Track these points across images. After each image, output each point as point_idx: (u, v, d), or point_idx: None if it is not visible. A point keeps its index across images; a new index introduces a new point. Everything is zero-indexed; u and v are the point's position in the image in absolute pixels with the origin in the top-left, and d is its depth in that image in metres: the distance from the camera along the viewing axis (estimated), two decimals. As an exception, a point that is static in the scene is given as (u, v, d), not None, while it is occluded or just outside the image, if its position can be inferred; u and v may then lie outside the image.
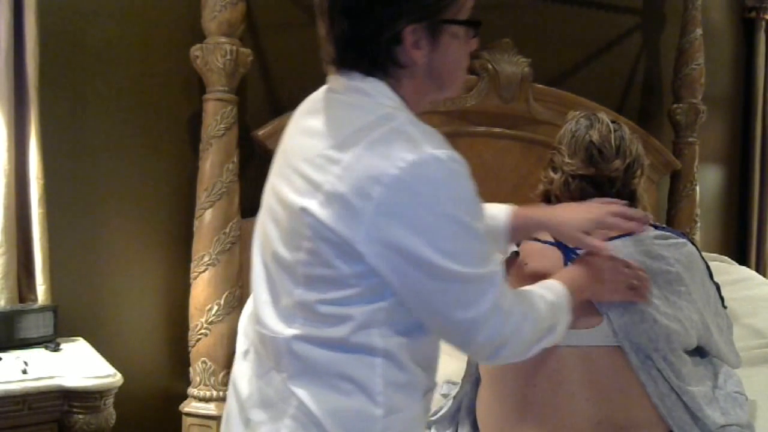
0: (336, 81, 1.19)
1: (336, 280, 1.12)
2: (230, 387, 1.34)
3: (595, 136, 1.70)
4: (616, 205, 1.53)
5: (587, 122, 1.73)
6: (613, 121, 1.75)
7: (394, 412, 1.15)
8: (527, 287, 1.30)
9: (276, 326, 1.18)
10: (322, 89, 1.23)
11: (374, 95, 1.15)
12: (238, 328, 1.39)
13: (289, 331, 1.16)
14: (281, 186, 1.19)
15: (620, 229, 1.51)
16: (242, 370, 1.30)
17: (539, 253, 1.63)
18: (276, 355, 1.19)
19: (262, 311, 1.22)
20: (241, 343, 1.35)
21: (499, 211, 1.53)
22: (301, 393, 1.15)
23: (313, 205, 1.10)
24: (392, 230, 1.07)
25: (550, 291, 1.30)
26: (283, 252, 1.17)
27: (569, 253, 1.61)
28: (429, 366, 1.23)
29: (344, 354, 1.14)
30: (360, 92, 1.16)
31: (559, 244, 1.63)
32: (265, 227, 1.25)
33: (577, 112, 1.79)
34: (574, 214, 1.50)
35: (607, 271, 1.48)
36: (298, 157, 1.17)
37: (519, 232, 1.55)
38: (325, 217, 1.09)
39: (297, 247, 1.14)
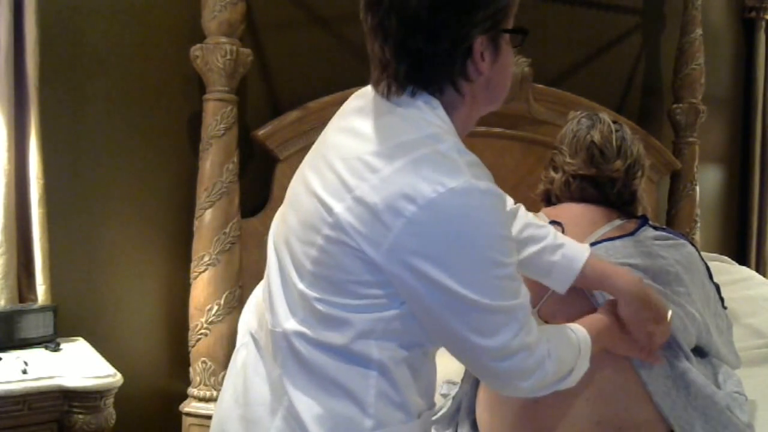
0: (388, 93, 1.16)
1: (341, 284, 1.11)
2: (226, 381, 1.34)
3: (596, 136, 1.70)
4: (664, 334, 1.48)
5: (589, 122, 1.73)
6: (614, 122, 1.75)
7: (383, 426, 1.14)
8: (554, 326, 1.29)
9: (281, 317, 1.17)
10: (373, 92, 1.19)
11: (426, 112, 1.13)
12: (239, 324, 1.38)
13: (290, 324, 1.16)
14: (312, 178, 1.17)
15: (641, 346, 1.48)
16: (240, 364, 1.30)
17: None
18: (275, 349, 1.18)
19: (275, 302, 1.20)
20: (241, 337, 1.35)
21: (577, 255, 1.46)
22: (293, 393, 1.15)
23: (339, 206, 1.09)
24: (416, 252, 1.05)
25: (576, 335, 1.28)
26: (295, 243, 1.16)
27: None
28: (425, 386, 1.22)
29: (341, 361, 1.13)
30: (413, 107, 1.13)
31: (559, 244, 1.63)
32: (286, 215, 1.23)
33: (579, 112, 1.79)
34: (637, 314, 1.44)
35: (632, 327, 1.44)
36: (335, 154, 1.15)
37: (585, 280, 1.47)
38: (349, 221, 1.08)
39: (310, 243, 1.13)
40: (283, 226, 1.23)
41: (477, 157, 1.12)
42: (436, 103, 1.14)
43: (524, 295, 1.14)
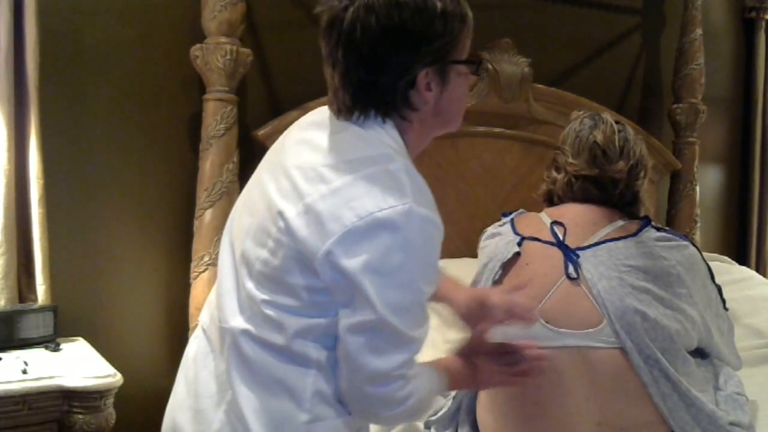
0: (338, 115, 1.23)
1: (287, 286, 1.17)
2: (180, 372, 1.40)
3: (599, 136, 1.69)
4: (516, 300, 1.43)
5: (591, 122, 1.73)
6: (617, 122, 1.75)
7: (318, 420, 1.20)
8: (424, 363, 1.29)
9: (229, 314, 1.23)
10: (328, 111, 1.26)
11: (380, 132, 1.19)
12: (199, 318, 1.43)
13: (237, 322, 1.21)
14: (268, 183, 1.24)
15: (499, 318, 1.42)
16: (191, 357, 1.36)
17: (541, 254, 1.63)
18: (222, 344, 1.24)
19: (224, 299, 1.26)
20: (197, 329, 1.40)
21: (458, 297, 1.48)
22: (237, 387, 1.21)
23: (291, 211, 1.15)
24: (348, 259, 1.10)
25: (436, 378, 1.30)
26: (249, 245, 1.22)
27: (569, 254, 1.61)
28: None
29: (281, 360, 1.19)
30: (366, 126, 1.19)
31: (559, 244, 1.63)
32: (241, 216, 1.29)
33: (581, 112, 1.79)
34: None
35: (484, 373, 1.41)
36: (293, 162, 1.21)
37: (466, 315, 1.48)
38: (297, 226, 1.14)
39: (262, 244, 1.19)
40: (238, 226, 1.28)
41: (424, 181, 1.18)
42: (385, 125, 1.20)
43: (425, 330, 1.19)
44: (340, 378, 1.21)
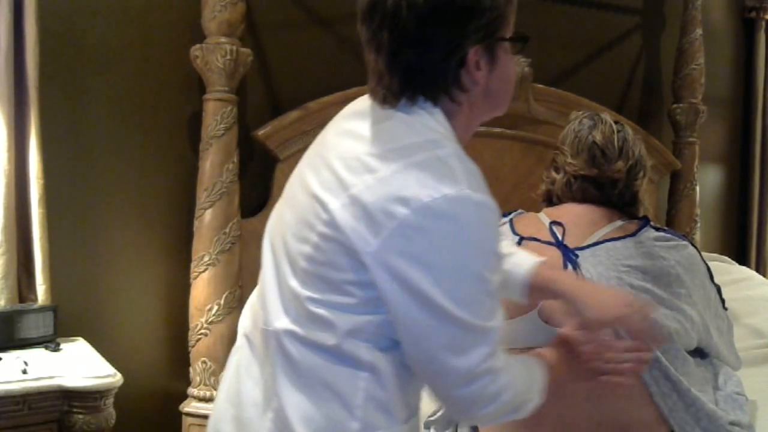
0: (384, 103, 1.16)
1: (333, 282, 1.10)
2: (222, 381, 1.34)
3: (598, 136, 1.70)
4: (644, 315, 1.36)
5: (590, 122, 1.73)
6: (616, 122, 1.75)
7: (370, 428, 1.13)
8: (516, 356, 1.26)
9: (273, 315, 1.17)
10: (370, 101, 1.19)
11: (426, 118, 1.13)
12: (238, 327, 1.38)
13: (282, 323, 1.15)
14: (309, 176, 1.17)
15: (636, 337, 1.36)
16: (234, 365, 1.30)
17: (539, 254, 1.63)
18: (267, 348, 1.18)
19: (267, 300, 1.20)
20: (237, 339, 1.35)
21: (524, 262, 1.44)
22: (283, 393, 1.14)
23: (335, 203, 1.09)
24: (402, 255, 1.04)
25: (534, 367, 1.25)
26: (291, 240, 1.16)
27: (569, 254, 1.61)
28: (413, 390, 1.20)
29: (331, 362, 1.12)
30: (412, 112, 1.13)
31: (558, 244, 1.63)
32: (282, 212, 1.23)
33: (580, 112, 1.79)
34: (599, 304, 1.35)
35: (585, 356, 1.36)
36: (334, 154, 1.15)
37: (537, 291, 1.43)
38: (343, 219, 1.07)
39: (304, 239, 1.13)
40: (279, 223, 1.22)
41: (476, 166, 1.12)
42: (433, 109, 1.14)
43: (500, 318, 1.13)
44: (430, 385, 1.15)
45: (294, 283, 1.14)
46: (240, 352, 1.29)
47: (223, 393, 1.31)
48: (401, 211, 1.04)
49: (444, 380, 1.12)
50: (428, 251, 1.04)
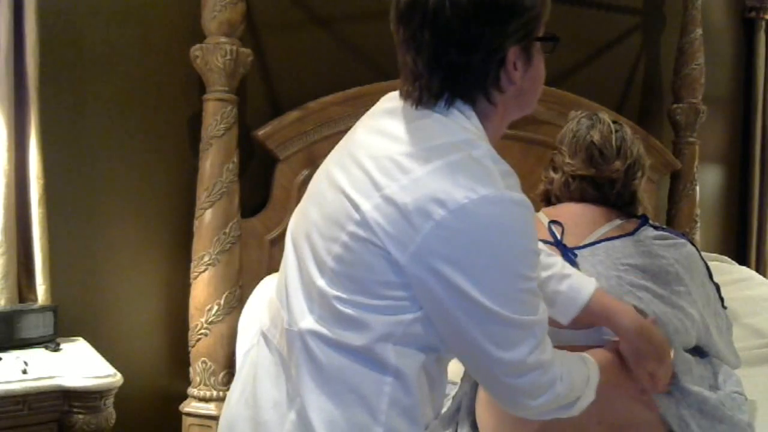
0: (419, 104, 1.15)
1: (363, 283, 1.09)
2: (235, 381, 1.32)
3: (596, 136, 1.70)
4: (667, 367, 1.47)
5: (588, 122, 1.73)
6: (614, 122, 1.75)
7: None
8: (568, 352, 1.27)
9: (297, 315, 1.15)
10: (401, 100, 1.18)
11: (460, 118, 1.12)
12: (239, 324, 1.37)
13: (306, 323, 1.13)
14: (338, 174, 1.15)
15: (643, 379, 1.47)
16: (250, 364, 1.28)
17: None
18: (290, 348, 1.16)
19: (291, 299, 1.18)
20: (251, 337, 1.33)
21: (582, 287, 1.45)
22: (306, 395, 1.13)
23: (367, 204, 1.08)
24: (442, 257, 1.04)
25: (587, 364, 1.27)
26: (317, 239, 1.14)
27: (568, 253, 1.61)
28: (436, 395, 1.21)
29: (356, 364, 1.11)
30: (446, 113, 1.12)
31: (557, 244, 1.63)
32: (308, 210, 1.21)
33: (579, 112, 1.79)
34: (637, 353, 1.44)
35: (633, 365, 1.44)
36: (365, 152, 1.13)
37: (587, 315, 1.45)
38: (376, 219, 1.06)
39: (334, 239, 1.11)
40: (304, 220, 1.20)
41: (510, 166, 1.12)
42: (469, 111, 1.13)
43: (543, 311, 1.13)
44: (477, 376, 1.16)
45: (321, 283, 1.12)
46: (257, 351, 1.27)
47: (236, 393, 1.28)
48: (439, 212, 1.03)
49: (492, 371, 1.12)
50: (467, 252, 1.04)
